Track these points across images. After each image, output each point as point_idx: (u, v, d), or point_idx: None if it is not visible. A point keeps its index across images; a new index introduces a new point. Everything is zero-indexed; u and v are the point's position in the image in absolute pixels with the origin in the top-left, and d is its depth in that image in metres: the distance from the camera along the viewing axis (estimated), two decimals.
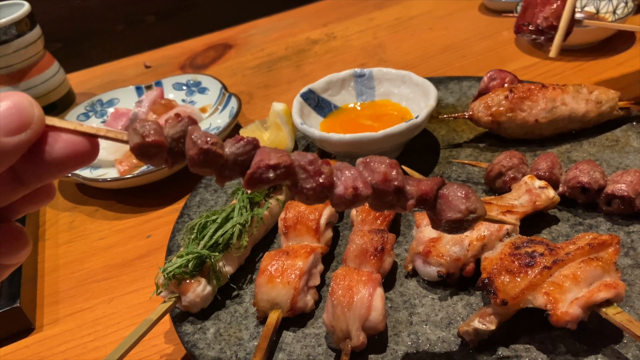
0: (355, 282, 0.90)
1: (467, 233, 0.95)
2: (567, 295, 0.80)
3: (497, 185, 1.12)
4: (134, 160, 1.46)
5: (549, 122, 1.20)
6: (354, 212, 1.09)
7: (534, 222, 1.04)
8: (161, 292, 0.98)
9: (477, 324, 0.85)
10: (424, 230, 0.99)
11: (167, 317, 0.99)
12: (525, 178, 1.06)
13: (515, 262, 0.87)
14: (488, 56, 1.77)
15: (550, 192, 1.02)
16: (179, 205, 1.33)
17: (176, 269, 0.96)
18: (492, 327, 0.84)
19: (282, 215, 1.07)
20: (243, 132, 1.37)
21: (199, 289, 0.96)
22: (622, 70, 1.51)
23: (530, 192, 1.03)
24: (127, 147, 1.52)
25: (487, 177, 1.13)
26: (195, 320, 0.96)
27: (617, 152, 1.18)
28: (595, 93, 1.21)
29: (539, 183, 1.04)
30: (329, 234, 1.07)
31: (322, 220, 1.05)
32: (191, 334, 0.96)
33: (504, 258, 0.90)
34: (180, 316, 0.97)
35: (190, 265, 0.96)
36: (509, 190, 1.09)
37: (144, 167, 1.45)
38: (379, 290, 0.90)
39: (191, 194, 1.30)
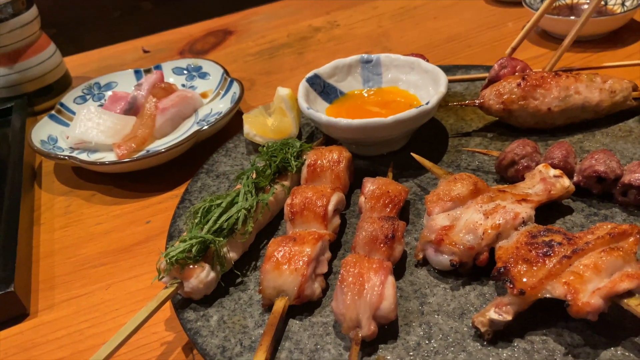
0: (366, 270, 0.87)
1: (481, 221, 0.92)
2: (588, 286, 0.78)
3: (508, 175, 1.09)
4: (133, 145, 1.42)
5: (562, 111, 1.18)
6: (362, 198, 1.05)
7: (548, 212, 1.01)
8: (163, 277, 0.94)
9: (492, 314, 0.82)
10: (436, 218, 0.96)
11: (169, 304, 0.96)
12: (540, 167, 1.03)
13: (533, 252, 0.85)
14: (495, 46, 1.74)
15: (566, 182, 1.00)
16: (179, 191, 1.29)
17: (179, 254, 0.92)
18: (509, 317, 0.81)
19: (289, 201, 1.04)
20: (246, 118, 1.34)
21: (203, 275, 0.92)
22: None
23: (544, 181, 1.00)
24: (125, 131, 1.49)
25: (499, 166, 1.10)
26: (198, 307, 0.92)
27: (630, 142, 1.16)
28: (609, 82, 1.18)
29: (553, 172, 1.01)
30: (336, 220, 1.04)
31: (330, 207, 1.01)
32: (194, 321, 0.93)
33: (520, 247, 0.87)
34: (182, 303, 0.93)
35: (193, 250, 0.93)
36: (521, 179, 1.06)
37: (143, 152, 1.41)
38: (391, 279, 0.87)
39: (192, 179, 1.26)
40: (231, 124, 1.45)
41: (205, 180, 1.26)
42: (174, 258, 0.92)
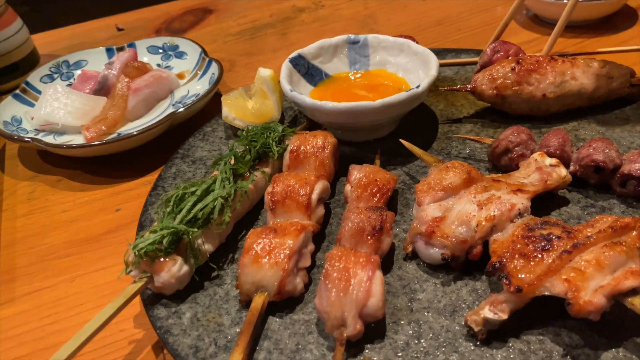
0: (352, 264, 0.80)
1: (475, 213, 0.87)
2: (590, 283, 0.72)
3: (502, 163, 1.03)
4: (103, 127, 1.33)
5: (557, 97, 1.12)
6: (348, 187, 0.99)
7: (543, 203, 0.96)
8: (131, 271, 0.87)
9: (487, 312, 0.76)
10: (427, 209, 0.90)
11: (138, 299, 0.89)
12: (535, 155, 0.97)
13: (530, 245, 0.79)
14: (485, 30, 1.68)
15: (562, 171, 0.94)
16: (152, 177, 1.22)
17: (149, 246, 0.85)
18: (504, 316, 0.76)
19: (269, 189, 0.96)
20: (225, 100, 1.26)
21: (175, 269, 0.85)
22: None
23: (540, 170, 0.94)
24: (95, 112, 1.40)
25: (492, 154, 1.04)
26: (170, 303, 0.86)
27: (627, 131, 1.11)
28: (607, 68, 1.13)
29: (549, 161, 0.96)
30: (320, 210, 0.97)
31: (314, 196, 0.95)
32: (164, 319, 0.86)
33: (516, 240, 0.81)
34: (153, 298, 0.87)
35: (165, 241, 0.85)
36: (515, 168, 1.01)
37: (114, 135, 1.32)
38: (378, 274, 0.80)
39: (166, 164, 1.18)
40: (209, 107, 1.37)
41: (180, 166, 1.18)
42: (143, 250, 0.85)
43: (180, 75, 1.50)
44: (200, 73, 1.47)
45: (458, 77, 1.36)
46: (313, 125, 1.20)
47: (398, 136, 1.11)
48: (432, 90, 1.28)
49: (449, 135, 1.18)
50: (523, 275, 0.76)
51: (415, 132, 1.19)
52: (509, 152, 1.01)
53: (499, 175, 0.96)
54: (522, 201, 0.87)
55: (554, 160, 0.95)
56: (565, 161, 0.97)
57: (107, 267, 1.04)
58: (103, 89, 1.45)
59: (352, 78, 1.28)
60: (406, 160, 1.12)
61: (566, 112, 1.16)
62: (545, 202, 0.97)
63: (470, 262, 0.87)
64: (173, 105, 1.41)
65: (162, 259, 0.84)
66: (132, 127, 1.32)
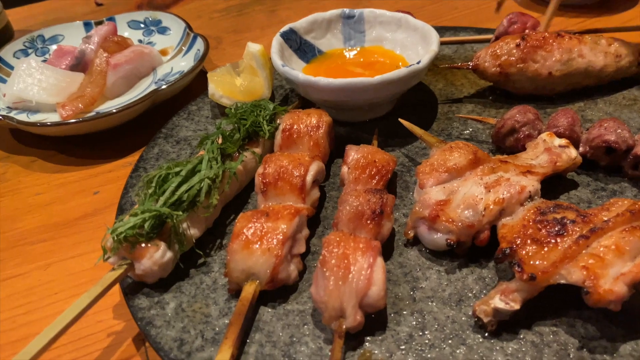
0: (351, 250, 0.74)
1: (482, 195, 0.81)
2: (610, 270, 0.67)
3: (507, 144, 0.98)
4: (80, 105, 1.25)
5: (564, 75, 1.07)
6: (345, 169, 0.92)
7: (551, 186, 0.90)
8: (109, 257, 0.80)
9: (498, 302, 0.71)
10: (430, 192, 0.84)
11: (117, 288, 0.83)
12: (543, 135, 0.92)
13: (543, 230, 0.74)
14: (482, 9, 1.62)
15: (572, 152, 0.89)
16: (133, 158, 1.14)
17: (129, 230, 0.78)
18: (516, 306, 0.70)
19: (260, 170, 0.90)
20: (211, 77, 1.18)
21: (157, 255, 0.78)
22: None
23: (549, 151, 0.89)
24: (71, 89, 1.31)
25: (497, 135, 0.98)
26: (152, 292, 0.81)
27: (636, 111, 1.06)
28: (615, 45, 1.08)
29: (559, 141, 0.90)
30: (315, 193, 0.90)
31: (309, 177, 0.88)
32: (146, 309, 0.79)
33: (527, 225, 0.76)
34: (133, 287, 0.82)
35: (146, 225, 0.78)
36: (521, 149, 0.95)
37: (92, 113, 1.23)
38: (380, 261, 0.74)
39: (148, 145, 1.11)
40: (194, 85, 1.29)
41: (163, 146, 1.10)
42: (123, 235, 0.78)
43: (164, 52, 1.42)
44: (184, 49, 1.39)
45: (457, 55, 1.30)
46: (306, 104, 1.13)
47: (395, 116, 1.05)
48: (431, 69, 1.21)
49: (449, 116, 1.12)
50: (537, 262, 0.71)
51: (413, 112, 1.13)
52: (515, 133, 0.96)
53: (506, 156, 0.90)
54: (532, 183, 0.81)
55: (563, 141, 0.90)
56: (574, 142, 0.92)
57: (83, 254, 0.98)
58: (80, 64, 1.36)
59: (347, 55, 1.21)
60: (405, 142, 1.06)
61: (571, 92, 1.11)
62: (553, 185, 0.91)
63: (476, 248, 0.82)
64: (155, 82, 1.32)
65: (143, 245, 0.78)
66: (111, 106, 1.25)
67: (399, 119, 1.01)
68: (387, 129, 1.09)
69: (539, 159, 0.88)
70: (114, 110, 1.15)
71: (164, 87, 1.20)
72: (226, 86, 1.15)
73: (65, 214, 1.05)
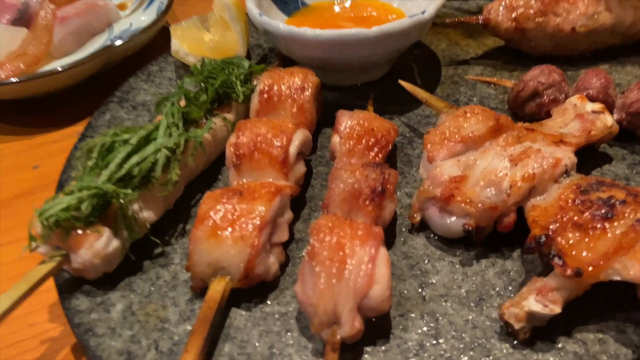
0: (348, 239, 0.59)
1: (507, 170, 0.66)
2: None
3: (527, 111, 0.83)
4: (21, 64, 1.08)
5: (588, 32, 0.92)
6: (336, 139, 0.76)
7: (580, 160, 0.75)
8: (37, 247, 0.63)
9: (533, 304, 0.56)
10: (442, 166, 0.69)
11: (52, 283, 0.68)
12: (573, 99, 0.77)
13: (586, 213, 0.59)
14: None
15: (608, 119, 0.75)
16: (81, 127, 0.96)
17: (61, 212, 0.62)
18: (557, 309, 0.56)
19: (233, 139, 0.73)
20: (174, 31, 1.00)
21: (99, 244, 0.63)
22: None
23: (581, 117, 0.74)
24: (12, 46, 1.12)
25: (515, 100, 0.83)
26: (94, 290, 0.68)
27: None
28: None
29: (592, 106, 0.75)
30: (300, 168, 0.74)
31: (292, 149, 0.72)
32: (86, 313, 0.63)
33: (566, 207, 0.61)
34: (71, 284, 0.69)
35: (83, 206, 0.63)
36: (544, 117, 0.80)
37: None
38: (383, 252, 0.59)
39: (98, 110, 0.94)
40: (157, 43, 1.13)
41: (116, 112, 0.93)
42: (54, 218, 0.61)
43: (122, 6, 1.26)
44: (145, 3, 1.22)
45: (460, 13, 1.14)
46: (287, 63, 0.96)
47: (392, 80, 0.91)
48: (431, 27, 1.05)
49: (455, 80, 0.96)
50: (582, 254, 0.56)
51: (412, 76, 0.98)
52: (537, 97, 0.81)
53: (533, 124, 0.75)
54: (568, 155, 0.66)
55: (597, 106, 0.75)
56: (607, 108, 0.77)
57: (17, 241, 0.83)
58: (23, 18, 1.19)
59: (337, 8, 1.04)
60: (404, 108, 0.91)
61: (595, 52, 0.97)
62: (582, 159, 0.76)
63: (495, 235, 0.67)
64: (111, 40, 1.14)
65: (80, 231, 0.63)
66: (58, 65, 1.05)
67: (400, 81, 0.86)
68: (383, 94, 0.94)
69: (570, 127, 0.73)
70: (59, 69, 0.97)
71: (119, 43, 1.01)
72: (192, 42, 0.98)
73: None
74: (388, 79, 0.97)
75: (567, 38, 0.93)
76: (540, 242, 0.59)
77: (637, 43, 0.97)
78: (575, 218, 0.59)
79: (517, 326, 0.57)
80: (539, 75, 0.81)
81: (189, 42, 0.99)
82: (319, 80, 0.85)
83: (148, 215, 0.69)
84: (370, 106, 0.87)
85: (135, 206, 0.67)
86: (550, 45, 0.95)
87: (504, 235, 0.67)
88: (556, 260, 0.56)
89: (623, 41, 0.96)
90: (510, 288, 0.63)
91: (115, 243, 0.65)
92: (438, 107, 0.79)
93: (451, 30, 1.08)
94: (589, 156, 0.78)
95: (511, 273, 0.65)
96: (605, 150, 0.80)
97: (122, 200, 0.64)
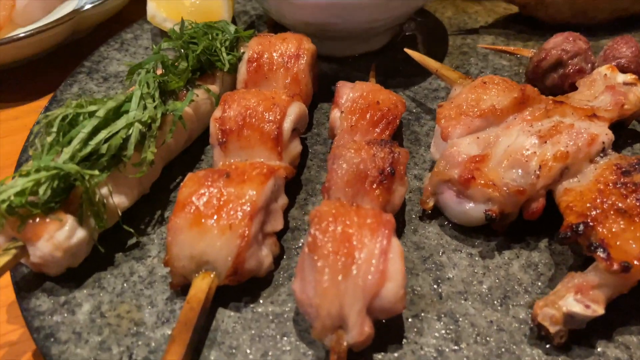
0: (355, 228, 0.50)
1: (535, 149, 0.57)
2: None
3: (548, 83, 0.75)
4: None
5: None
6: (336, 113, 0.67)
7: None
8: None
9: (572, 304, 0.48)
10: (459, 144, 0.60)
11: (8, 281, 0.60)
12: (602, 69, 0.69)
13: (631, 197, 0.51)
14: None
15: None
16: (45, 102, 0.85)
17: (15, 197, 0.52)
18: (600, 310, 0.48)
19: (218, 113, 0.64)
20: None
21: (61, 235, 0.55)
22: None
23: (612, 90, 0.66)
24: None
25: (535, 70, 0.75)
26: (57, 288, 0.60)
27: None
28: None
29: (623, 77, 0.67)
30: (295, 147, 0.66)
31: (287, 124, 0.63)
32: (47, 314, 0.55)
33: (606, 190, 0.53)
34: (30, 281, 0.61)
35: (42, 190, 0.53)
36: (568, 90, 0.72)
37: None
38: (396, 244, 0.51)
39: (65, 81, 0.83)
40: (131, 8, 1.03)
41: (85, 83, 0.83)
42: (6, 204, 0.51)
43: None
44: None
45: None
46: (278, 31, 0.85)
47: (393, 51, 0.82)
48: None
49: (464, 50, 0.88)
50: (629, 245, 0.48)
51: (417, 46, 0.90)
52: (561, 67, 0.72)
53: (559, 96, 0.66)
54: (604, 131, 0.58)
55: (629, 77, 0.67)
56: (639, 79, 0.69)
57: None
58: None
59: None
60: (409, 81, 0.82)
61: (615, 21, 0.88)
62: None
63: (520, 222, 0.59)
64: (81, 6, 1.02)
65: (38, 219, 0.52)
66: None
67: (406, 50, 0.77)
68: (385, 65, 0.85)
69: (599, 101, 0.65)
70: (22, 35, 0.86)
71: (88, 7, 0.90)
72: (171, 6, 0.88)
73: None
74: (389, 50, 0.88)
75: (588, 4, 0.85)
76: (578, 231, 0.51)
77: None
78: (618, 203, 0.51)
79: (552, 329, 0.49)
80: (563, 43, 0.73)
81: (167, 7, 0.89)
82: (315, 48, 0.75)
83: (119, 200, 0.60)
84: (372, 78, 0.78)
85: (104, 190, 0.58)
86: (569, 12, 0.86)
87: (528, 223, 0.59)
88: (599, 252, 0.48)
89: None
90: (539, 284, 0.56)
91: (80, 233, 0.57)
92: (451, 78, 0.71)
93: None
94: (617, 135, 0.69)
95: (539, 266, 0.57)
96: (634, 128, 0.72)
97: (87, 183, 0.55)
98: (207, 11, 0.90)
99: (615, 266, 0.47)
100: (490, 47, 0.82)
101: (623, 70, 0.70)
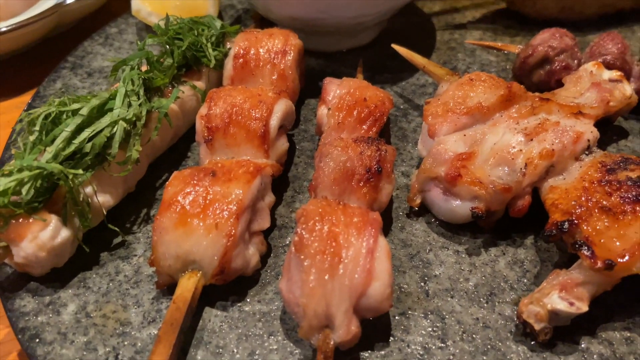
0: (342, 227, 0.50)
1: (521, 146, 0.57)
2: None
3: (534, 80, 0.75)
4: None
5: None
6: (323, 110, 0.67)
7: None
8: None
9: (557, 301, 0.49)
10: (446, 141, 0.60)
11: None
12: (588, 66, 0.69)
13: (615, 195, 0.52)
14: None
15: (627, 89, 0.67)
16: (28, 97, 0.84)
17: None
18: (584, 307, 0.49)
19: (204, 110, 0.63)
20: None
21: (45, 235, 0.55)
22: None
23: (598, 87, 0.66)
24: None
25: (522, 66, 0.75)
26: (42, 289, 0.59)
27: None
28: None
29: (609, 74, 0.67)
30: (282, 144, 0.65)
31: (273, 121, 0.63)
32: (32, 315, 0.55)
33: (590, 188, 0.53)
34: (14, 281, 0.60)
35: (25, 190, 0.53)
36: (554, 86, 0.72)
37: None
38: (383, 242, 0.51)
39: (48, 77, 0.82)
40: (116, 2, 1.01)
41: (69, 79, 0.82)
42: None
43: None
44: None
45: None
46: (265, 26, 0.85)
47: (381, 46, 0.82)
48: None
49: (452, 45, 0.87)
50: (613, 243, 0.48)
51: (404, 41, 0.88)
52: (547, 63, 0.73)
53: (545, 93, 0.66)
54: (590, 128, 0.58)
55: (615, 73, 0.67)
56: (624, 76, 0.69)
57: None
58: None
59: None
60: (396, 77, 0.82)
61: (602, 17, 0.88)
62: None
63: (506, 220, 0.59)
64: None
65: (22, 220, 0.52)
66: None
67: (393, 45, 0.77)
68: (372, 61, 0.85)
69: (585, 98, 0.66)
70: (4, 29, 0.84)
71: (71, 0, 0.88)
72: (156, 1, 0.85)
73: None
74: (377, 45, 0.88)
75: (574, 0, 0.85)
76: (563, 229, 0.51)
77: None
78: (603, 201, 0.52)
79: (537, 326, 0.49)
80: (550, 39, 0.73)
81: (152, 0, 0.87)
82: (302, 43, 0.75)
83: (104, 199, 0.59)
84: (359, 74, 0.78)
85: (89, 189, 0.57)
86: (556, 8, 0.87)
87: (515, 221, 0.59)
88: (583, 250, 0.49)
89: (632, 5, 0.89)
90: (524, 280, 0.56)
91: (64, 233, 0.56)
92: (438, 75, 0.71)
93: None
94: (603, 131, 0.70)
95: (525, 263, 0.58)
96: (620, 124, 0.72)
97: (71, 183, 0.54)
98: (192, 5, 0.89)
99: (599, 264, 0.48)
100: (478, 42, 0.82)
101: (609, 66, 0.70)
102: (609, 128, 0.72)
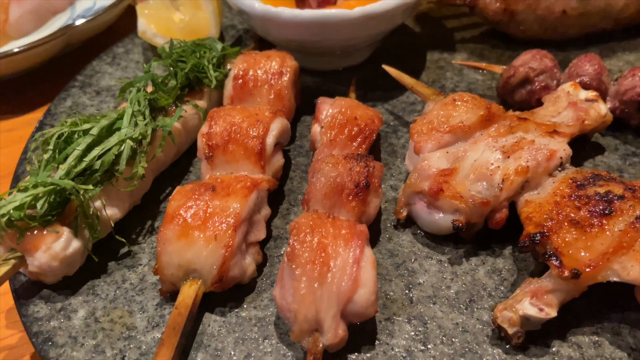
0: (330, 238, 0.54)
1: (499, 163, 0.62)
2: None
3: (517, 98, 0.79)
4: None
5: (580, 15, 0.89)
6: (316, 128, 0.71)
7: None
8: None
9: (528, 307, 0.53)
10: (430, 158, 0.64)
11: (7, 288, 0.64)
12: (566, 87, 0.73)
13: (583, 209, 0.56)
14: None
15: (602, 108, 0.71)
16: (39, 114, 0.89)
17: (15, 211, 0.56)
18: (553, 313, 0.53)
19: (205, 128, 0.68)
20: (141, 10, 0.94)
21: (57, 246, 0.58)
22: None
23: (574, 106, 0.70)
24: None
25: (505, 86, 0.79)
26: (54, 295, 0.63)
27: None
28: None
29: (585, 94, 0.72)
30: (278, 160, 0.69)
31: (269, 139, 0.67)
32: (45, 320, 0.58)
33: (561, 202, 0.57)
34: (28, 288, 0.64)
35: (39, 204, 0.57)
36: (535, 105, 0.77)
37: None
38: (368, 253, 0.55)
39: (59, 95, 0.87)
40: (122, 23, 1.07)
41: (78, 97, 0.86)
42: (6, 217, 0.55)
43: None
44: None
45: None
46: (264, 46, 0.90)
47: (374, 65, 0.86)
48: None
49: (440, 64, 0.92)
50: (580, 253, 0.53)
51: (396, 60, 0.92)
52: (528, 83, 0.77)
53: (524, 112, 0.70)
54: (563, 147, 0.63)
55: (591, 94, 0.71)
56: (600, 95, 0.73)
57: None
58: None
59: None
60: (387, 95, 0.86)
61: (585, 37, 0.93)
62: (574, 149, 0.72)
63: (487, 231, 0.63)
64: (74, 19, 1.05)
65: (36, 232, 0.56)
66: (14, 47, 0.97)
67: (383, 66, 0.81)
68: (365, 79, 0.89)
69: (562, 116, 0.70)
70: (16, 50, 0.89)
71: (81, 22, 0.94)
72: (161, 22, 0.91)
73: None
74: (370, 64, 0.92)
75: (557, 21, 0.89)
76: (535, 240, 0.55)
77: (628, 28, 0.94)
78: (572, 214, 0.56)
79: (510, 331, 0.53)
80: (530, 61, 0.77)
81: (157, 22, 0.92)
82: (298, 65, 0.79)
83: (112, 212, 0.63)
84: (352, 92, 0.82)
85: (98, 203, 0.61)
86: (540, 29, 0.91)
87: (494, 232, 0.64)
88: (552, 260, 0.53)
89: (614, 25, 0.92)
90: (502, 288, 0.60)
91: (75, 244, 0.59)
92: (425, 94, 0.75)
93: (436, 12, 1.03)
94: (581, 147, 0.75)
95: (503, 272, 0.62)
96: (597, 140, 0.76)
97: (82, 197, 0.58)
98: (195, 26, 0.93)
99: (567, 273, 0.52)
100: (464, 63, 0.86)
101: (585, 87, 0.74)
102: (587, 144, 0.76)
